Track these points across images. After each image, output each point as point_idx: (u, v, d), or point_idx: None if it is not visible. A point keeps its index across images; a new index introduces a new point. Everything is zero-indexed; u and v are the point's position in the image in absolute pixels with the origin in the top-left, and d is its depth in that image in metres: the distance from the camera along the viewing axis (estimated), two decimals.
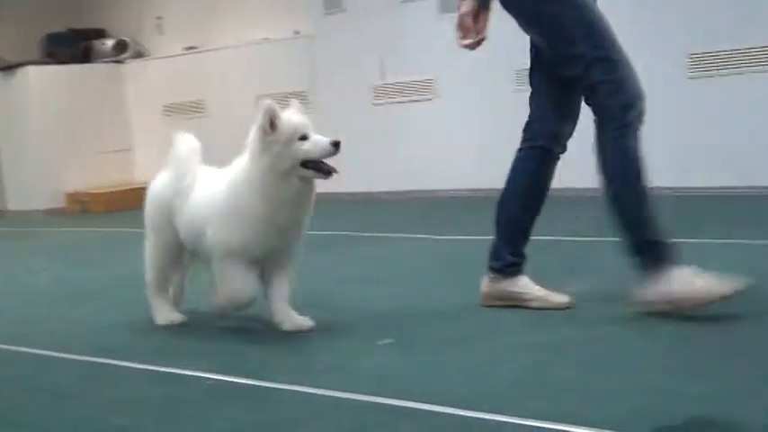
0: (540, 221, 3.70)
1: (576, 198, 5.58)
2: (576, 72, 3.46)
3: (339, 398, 2.81)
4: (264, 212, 3.42)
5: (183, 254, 3.84)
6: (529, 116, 3.67)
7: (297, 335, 3.55)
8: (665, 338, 3.16)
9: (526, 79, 3.72)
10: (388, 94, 8.44)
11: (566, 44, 3.45)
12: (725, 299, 3.23)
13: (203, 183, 3.66)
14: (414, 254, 5.39)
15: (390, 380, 2.95)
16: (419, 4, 8.08)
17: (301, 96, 8.82)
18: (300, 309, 3.64)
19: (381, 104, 8.49)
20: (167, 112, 9.58)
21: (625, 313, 3.39)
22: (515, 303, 3.64)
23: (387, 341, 3.38)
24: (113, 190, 9.34)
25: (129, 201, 9.14)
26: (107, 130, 9.77)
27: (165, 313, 3.89)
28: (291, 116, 3.41)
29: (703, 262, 3.38)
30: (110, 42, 9.83)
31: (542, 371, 2.93)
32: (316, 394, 2.86)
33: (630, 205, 3.40)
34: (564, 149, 3.66)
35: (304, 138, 3.39)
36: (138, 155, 9.87)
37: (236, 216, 3.47)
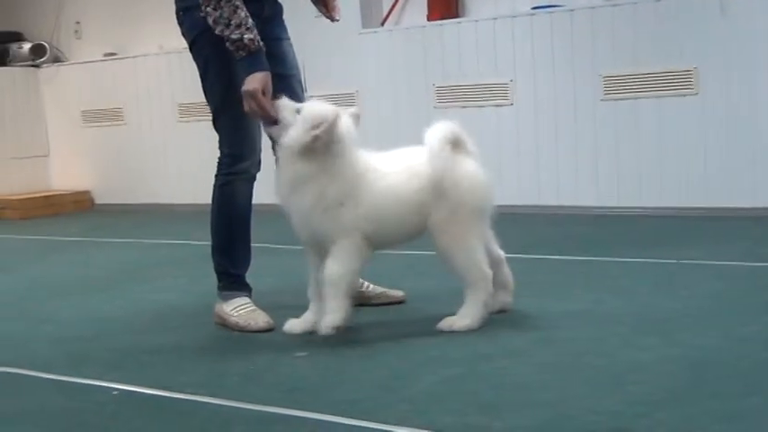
0: None
1: None
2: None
3: (250, 410, 2.80)
4: None
5: None
6: (247, 148, 3.90)
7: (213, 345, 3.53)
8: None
9: None
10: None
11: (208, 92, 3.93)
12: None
13: None
14: None
15: (303, 392, 2.94)
16: None
17: None
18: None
19: None
20: (85, 119, 9.41)
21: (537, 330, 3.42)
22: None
23: (302, 353, 3.36)
24: (29, 196, 9.15)
25: (46, 207, 9.01)
26: (23, 136, 9.53)
27: None
28: None
29: None
30: (27, 46, 9.61)
31: (455, 385, 2.92)
32: (224, 405, 2.84)
33: (219, 236, 3.93)
34: None
35: None
36: (54, 161, 9.68)
37: None
